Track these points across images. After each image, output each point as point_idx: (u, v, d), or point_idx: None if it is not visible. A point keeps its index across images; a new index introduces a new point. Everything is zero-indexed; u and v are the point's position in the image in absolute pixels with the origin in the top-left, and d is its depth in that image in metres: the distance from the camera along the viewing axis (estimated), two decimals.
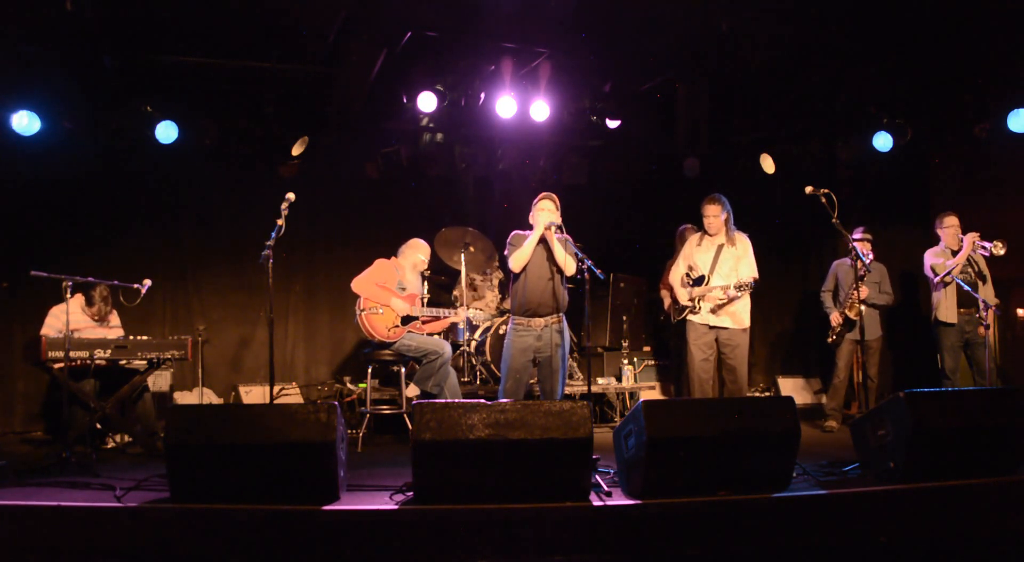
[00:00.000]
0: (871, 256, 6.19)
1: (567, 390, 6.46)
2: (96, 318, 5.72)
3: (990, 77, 6.48)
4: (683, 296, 5.66)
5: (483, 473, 3.59)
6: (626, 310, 7.35)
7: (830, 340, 6.56)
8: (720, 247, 5.59)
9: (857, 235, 6.50)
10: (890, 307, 6.74)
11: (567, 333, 5.04)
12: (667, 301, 7.01)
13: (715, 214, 5.57)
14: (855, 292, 6.10)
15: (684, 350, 5.72)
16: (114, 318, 5.89)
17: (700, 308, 5.56)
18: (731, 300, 5.44)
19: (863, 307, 6.22)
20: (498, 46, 6.25)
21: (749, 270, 5.54)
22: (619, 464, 4.01)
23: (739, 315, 5.49)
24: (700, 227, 5.77)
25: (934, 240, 6.41)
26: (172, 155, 6.60)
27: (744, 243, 5.62)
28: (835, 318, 6.51)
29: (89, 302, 5.65)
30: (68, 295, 5.00)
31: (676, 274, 5.80)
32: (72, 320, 5.09)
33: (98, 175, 6.78)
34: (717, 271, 5.55)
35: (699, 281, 5.60)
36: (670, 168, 7.71)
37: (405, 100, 6.55)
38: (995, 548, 3.75)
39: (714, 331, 5.52)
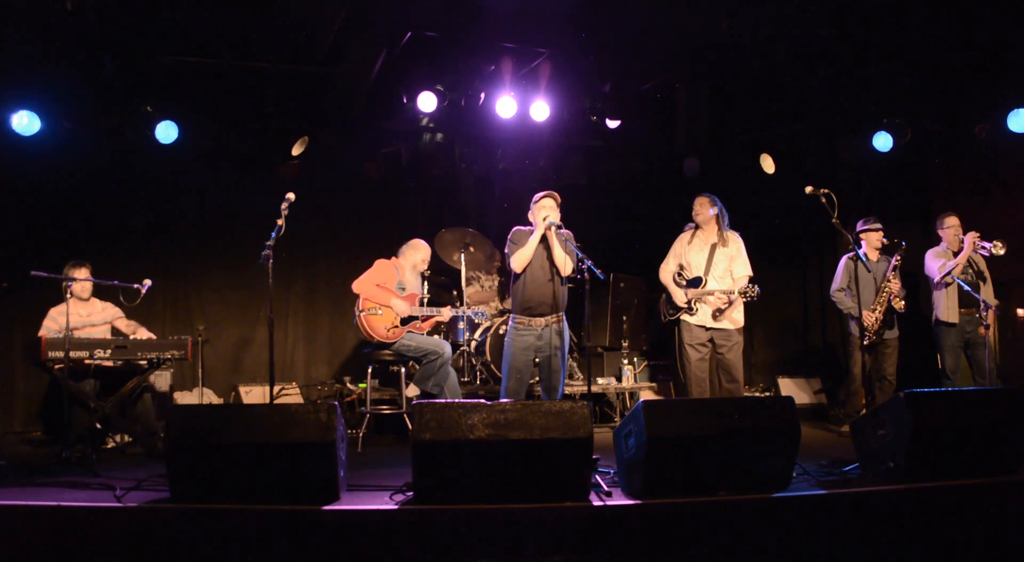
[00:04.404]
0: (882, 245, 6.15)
1: (567, 390, 6.46)
2: (88, 294, 5.72)
3: (990, 77, 6.48)
4: (680, 296, 5.66)
5: (483, 473, 3.59)
6: (626, 310, 7.35)
7: (867, 342, 6.10)
8: (713, 247, 5.61)
9: (861, 226, 6.36)
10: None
11: (567, 333, 5.05)
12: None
13: (702, 204, 5.66)
14: (888, 284, 6.08)
15: (679, 350, 5.73)
16: (111, 307, 5.89)
17: (697, 310, 5.57)
18: (731, 304, 5.47)
19: (901, 301, 6.15)
20: (498, 46, 6.25)
21: (743, 269, 5.58)
22: (619, 464, 4.01)
23: (735, 316, 5.54)
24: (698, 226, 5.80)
25: (934, 240, 6.41)
26: (172, 155, 6.60)
27: (736, 242, 5.65)
28: (868, 317, 6.09)
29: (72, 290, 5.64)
30: (68, 295, 5.00)
31: (666, 272, 5.80)
32: (72, 320, 5.09)
33: (98, 175, 6.78)
34: (712, 273, 5.58)
35: (695, 283, 5.61)
36: (670, 168, 7.71)
37: (405, 100, 6.54)
38: (995, 548, 3.75)
39: (710, 332, 5.55)
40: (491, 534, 3.47)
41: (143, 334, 5.62)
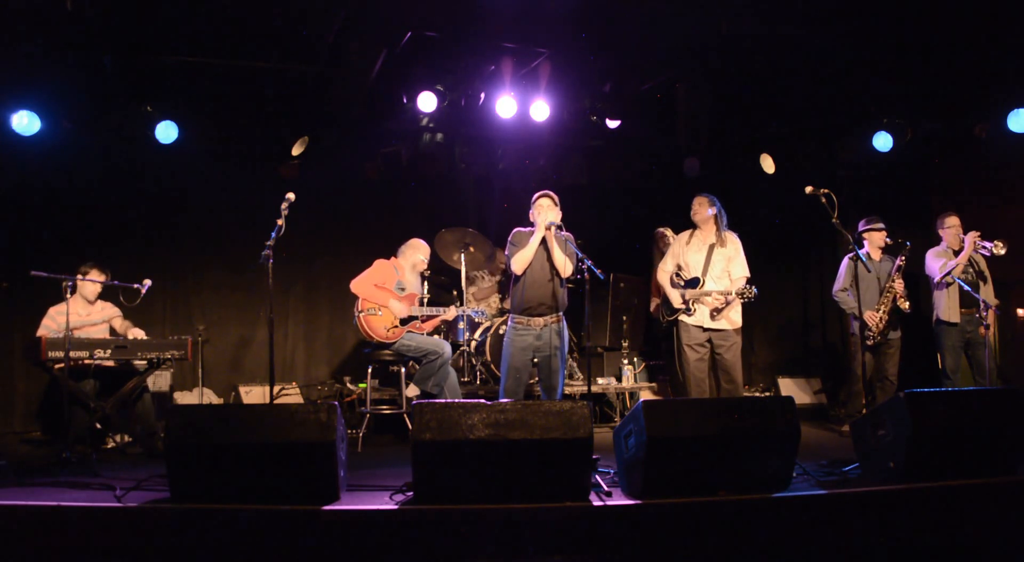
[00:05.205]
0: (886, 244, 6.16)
1: (567, 390, 6.46)
2: (95, 297, 5.74)
3: (990, 77, 6.48)
4: (676, 298, 5.65)
5: (483, 473, 3.59)
6: (626, 310, 7.35)
7: (871, 343, 6.09)
8: (711, 247, 5.61)
9: (863, 226, 6.35)
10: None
11: (566, 333, 5.05)
12: (654, 304, 6.98)
13: (700, 204, 5.67)
14: (893, 285, 6.06)
15: (677, 351, 5.72)
16: (109, 306, 5.89)
17: (695, 310, 5.57)
18: (728, 304, 5.46)
19: (906, 302, 6.14)
20: (498, 46, 6.24)
21: (741, 270, 5.58)
22: (619, 464, 4.01)
23: (733, 316, 5.54)
24: (675, 230, 5.79)
25: (935, 240, 6.41)
26: (172, 155, 6.60)
27: (735, 243, 5.64)
28: (872, 317, 6.07)
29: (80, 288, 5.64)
30: (68, 295, 5.00)
31: (664, 273, 5.80)
32: (72, 319, 5.09)
33: (98, 175, 6.78)
34: (710, 273, 5.57)
35: (693, 283, 5.61)
36: (670, 168, 7.71)
37: (405, 100, 6.54)
38: (995, 548, 3.75)
39: (708, 332, 5.55)
40: (491, 534, 3.47)
41: (135, 333, 5.62)
